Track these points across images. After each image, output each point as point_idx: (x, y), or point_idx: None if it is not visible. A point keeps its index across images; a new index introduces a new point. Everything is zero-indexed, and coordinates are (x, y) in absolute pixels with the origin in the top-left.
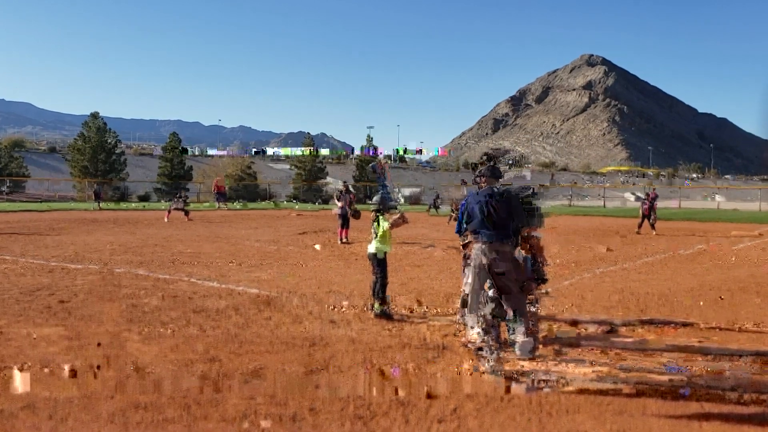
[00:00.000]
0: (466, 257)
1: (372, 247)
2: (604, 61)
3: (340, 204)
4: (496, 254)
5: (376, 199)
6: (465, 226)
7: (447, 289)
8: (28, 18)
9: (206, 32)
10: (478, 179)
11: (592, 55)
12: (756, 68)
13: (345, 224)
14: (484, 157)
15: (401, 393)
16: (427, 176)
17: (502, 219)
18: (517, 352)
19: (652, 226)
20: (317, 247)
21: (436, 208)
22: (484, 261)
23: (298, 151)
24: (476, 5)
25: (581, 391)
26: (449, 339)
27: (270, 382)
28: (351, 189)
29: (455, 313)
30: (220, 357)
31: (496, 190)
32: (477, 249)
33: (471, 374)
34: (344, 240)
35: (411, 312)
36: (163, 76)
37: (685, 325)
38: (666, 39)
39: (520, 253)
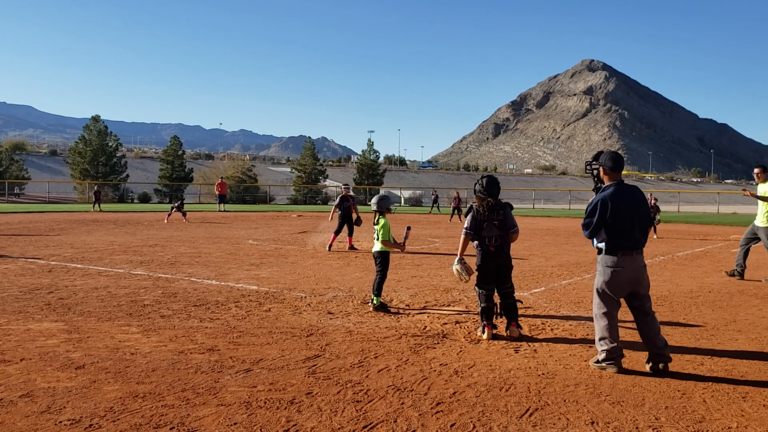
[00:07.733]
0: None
1: (378, 246)
2: (605, 67)
3: (336, 205)
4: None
5: (374, 200)
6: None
7: (446, 284)
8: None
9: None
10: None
11: (593, 61)
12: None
13: (348, 230)
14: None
15: (398, 378)
16: (429, 177)
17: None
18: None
19: (654, 230)
20: (318, 246)
21: (438, 206)
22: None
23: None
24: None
25: (578, 384)
26: (449, 327)
27: (269, 370)
28: (352, 193)
29: (450, 305)
30: (218, 347)
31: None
32: (630, 262)
33: (470, 367)
34: (349, 247)
35: (408, 306)
36: (164, 80)
37: (683, 325)
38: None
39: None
